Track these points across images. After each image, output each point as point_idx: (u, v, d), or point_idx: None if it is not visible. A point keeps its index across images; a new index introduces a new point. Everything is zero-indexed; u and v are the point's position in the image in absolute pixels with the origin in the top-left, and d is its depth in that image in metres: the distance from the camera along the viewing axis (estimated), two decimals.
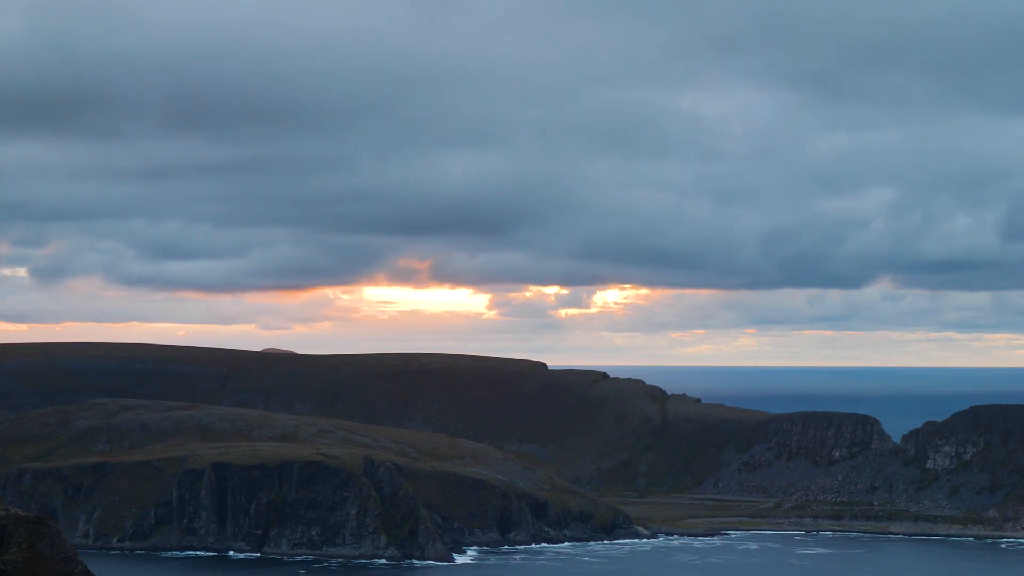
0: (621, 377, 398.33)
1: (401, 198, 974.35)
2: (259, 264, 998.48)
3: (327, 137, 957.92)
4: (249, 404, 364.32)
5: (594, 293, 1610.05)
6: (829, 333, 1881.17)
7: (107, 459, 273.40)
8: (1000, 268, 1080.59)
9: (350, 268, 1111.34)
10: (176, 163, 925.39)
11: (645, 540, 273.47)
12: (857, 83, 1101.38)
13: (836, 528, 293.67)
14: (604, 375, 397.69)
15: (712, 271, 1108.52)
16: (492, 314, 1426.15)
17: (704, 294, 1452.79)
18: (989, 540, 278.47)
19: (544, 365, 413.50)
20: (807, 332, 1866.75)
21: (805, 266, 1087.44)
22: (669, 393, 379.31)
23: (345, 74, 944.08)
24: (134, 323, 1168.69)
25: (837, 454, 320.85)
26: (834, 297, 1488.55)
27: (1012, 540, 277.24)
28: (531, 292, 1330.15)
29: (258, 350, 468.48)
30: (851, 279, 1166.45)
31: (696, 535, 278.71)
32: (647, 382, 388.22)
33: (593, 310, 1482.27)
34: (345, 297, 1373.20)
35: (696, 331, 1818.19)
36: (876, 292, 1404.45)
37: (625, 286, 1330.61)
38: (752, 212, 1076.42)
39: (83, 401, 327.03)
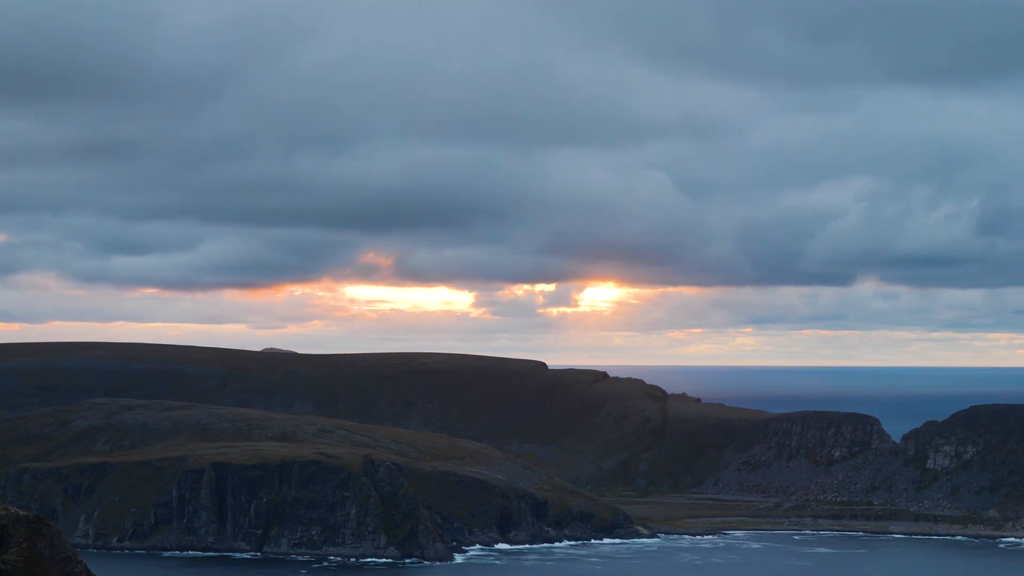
0: (621, 377, 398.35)
1: (329, 189, 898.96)
2: (215, 260, 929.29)
3: (196, 116, 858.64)
4: (249, 404, 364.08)
5: (582, 290, 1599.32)
6: (828, 333, 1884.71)
7: (107, 459, 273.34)
8: (985, 264, 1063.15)
9: (311, 264, 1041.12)
10: (31, 145, 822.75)
11: (648, 540, 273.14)
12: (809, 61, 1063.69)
13: (836, 528, 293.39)
14: (604, 375, 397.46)
15: (689, 265, 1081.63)
16: (480, 312, 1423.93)
17: (689, 292, 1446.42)
18: (989, 540, 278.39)
19: (544, 365, 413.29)
20: (805, 332, 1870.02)
21: (779, 261, 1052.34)
22: (669, 393, 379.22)
23: (192, 42, 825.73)
24: (122, 323, 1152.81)
25: (837, 454, 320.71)
26: (826, 295, 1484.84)
27: (1012, 540, 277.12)
28: (521, 291, 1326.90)
29: (258, 350, 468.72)
30: (838, 276, 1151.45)
31: (696, 535, 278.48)
32: (647, 382, 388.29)
33: (584, 308, 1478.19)
34: (327, 295, 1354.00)
35: (693, 331, 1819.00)
36: (867, 289, 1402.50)
37: (609, 283, 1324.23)
38: (723, 204, 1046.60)
39: (83, 401, 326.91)
